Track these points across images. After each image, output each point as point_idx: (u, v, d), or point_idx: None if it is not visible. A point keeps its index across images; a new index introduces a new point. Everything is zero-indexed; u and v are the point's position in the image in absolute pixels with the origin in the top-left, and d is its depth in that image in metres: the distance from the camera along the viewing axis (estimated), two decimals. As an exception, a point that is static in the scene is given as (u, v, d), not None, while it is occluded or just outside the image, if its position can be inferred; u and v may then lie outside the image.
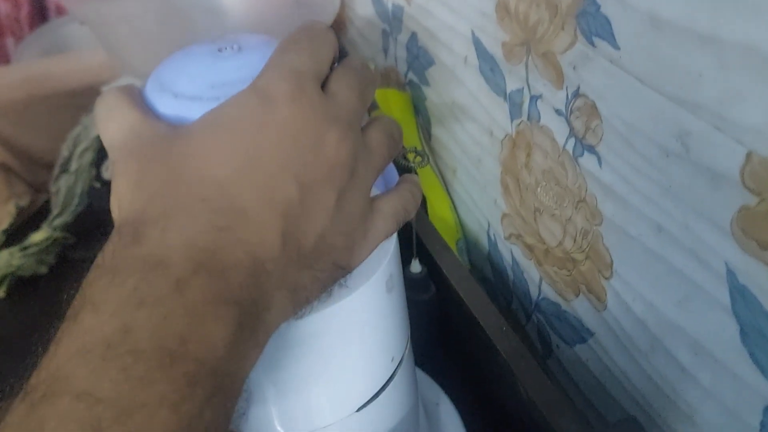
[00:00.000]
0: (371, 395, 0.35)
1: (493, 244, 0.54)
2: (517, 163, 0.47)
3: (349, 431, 0.35)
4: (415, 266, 0.50)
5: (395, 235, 0.34)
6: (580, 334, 0.45)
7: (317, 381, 0.32)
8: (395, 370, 0.36)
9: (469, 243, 0.59)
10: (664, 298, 0.36)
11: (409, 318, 0.38)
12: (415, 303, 0.40)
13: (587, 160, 0.39)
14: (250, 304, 0.22)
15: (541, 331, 0.50)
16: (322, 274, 0.25)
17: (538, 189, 0.45)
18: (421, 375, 0.49)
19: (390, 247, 0.33)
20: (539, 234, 0.47)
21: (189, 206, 0.22)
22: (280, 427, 0.33)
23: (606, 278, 0.40)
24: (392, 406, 0.37)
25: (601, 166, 0.38)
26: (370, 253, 0.29)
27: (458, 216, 0.59)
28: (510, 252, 0.52)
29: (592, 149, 0.38)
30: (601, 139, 0.37)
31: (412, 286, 0.50)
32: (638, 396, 0.41)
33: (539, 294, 0.49)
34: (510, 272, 0.53)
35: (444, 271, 0.50)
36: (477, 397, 0.50)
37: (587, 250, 0.42)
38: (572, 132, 0.40)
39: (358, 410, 0.34)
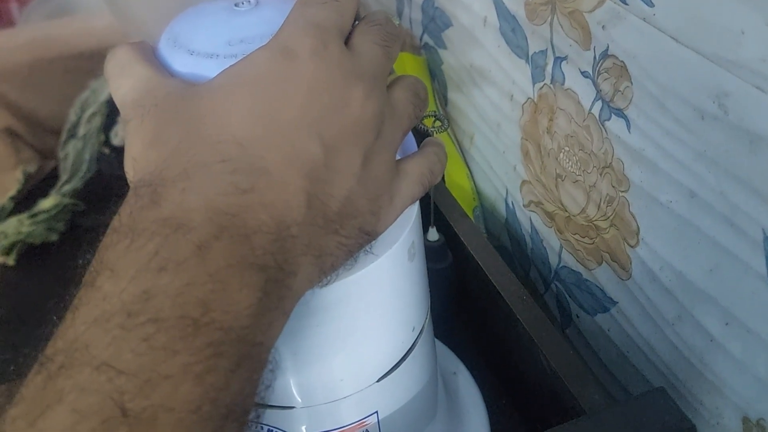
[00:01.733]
0: (392, 365, 0.34)
1: (511, 211, 0.53)
2: (539, 128, 0.46)
3: (368, 402, 0.34)
4: (433, 234, 0.48)
5: (417, 201, 0.33)
6: (602, 303, 0.44)
7: (338, 350, 0.32)
8: (416, 339, 0.35)
9: (486, 211, 0.57)
10: (695, 267, 0.35)
11: (428, 287, 0.37)
12: (432, 272, 0.39)
13: (615, 124, 0.38)
14: (276, 269, 0.21)
15: (561, 300, 0.49)
16: (347, 240, 0.24)
17: (561, 155, 0.44)
18: (438, 345, 0.48)
19: (412, 213, 0.32)
20: (561, 201, 0.45)
21: (209, 166, 0.21)
22: (299, 398, 0.32)
23: (632, 246, 0.39)
24: (412, 376, 0.36)
25: (629, 130, 0.37)
26: (396, 218, 0.28)
27: (475, 183, 0.57)
28: (529, 220, 0.51)
29: (620, 113, 0.37)
30: (630, 102, 0.36)
31: (429, 254, 0.48)
32: (663, 367, 0.40)
33: (559, 262, 0.48)
34: (528, 240, 0.52)
35: (462, 239, 0.49)
36: (495, 367, 0.49)
37: (612, 217, 0.40)
38: (599, 95, 0.39)
39: (378, 380, 0.33)
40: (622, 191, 0.39)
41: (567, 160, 0.43)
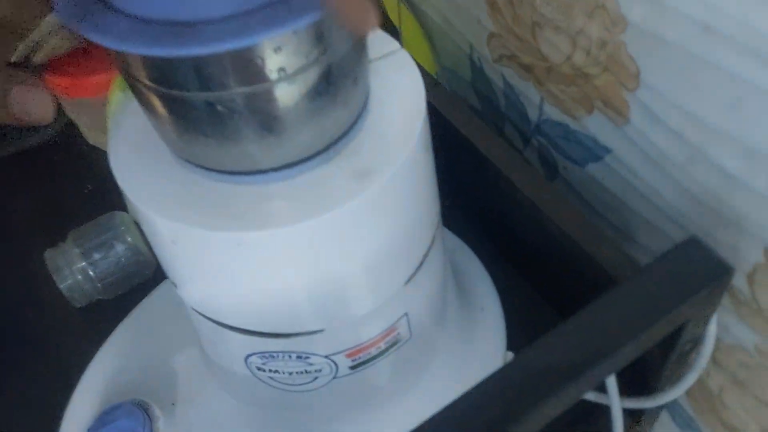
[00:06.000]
0: (419, 264, 0.31)
1: (478, 69, 0.49)
2: (508, -27, 0.41)
3: (398, 306, 0.32)
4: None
5: (421, 86, 0.29)
6: (594, 152, 0.42)
7: (371, 262, 0.29)
8: (435, 231, 0.33)
9: (447, 72, 0.53)
10: (709, 105, 0.33)
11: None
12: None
13: (607, -42, 0.34)
14: None
15: (543, 153, 0.48)
16: None
17: (537, 0, 0.40)
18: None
19: (420, 104, 0.29)
20: (540, 51, 0.42)
21: None
22: (329, 319, 0.30)
23: (630, 90, 0.37)
24: (434, 267, 0.34)
25: (626, -37, 0.33)
26: None
27: (432, 44, 0.53)
28: (501, 75, 0.47)
29: (614, -56, 0.33)
30: (627, -69, 0.32)
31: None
32: (668, 208, 0.39)
33: (540, 115, 0.46)
34: (501, 97, 0.49)
35: (434, 104, 0.45)
36: (490, 234, 0.48)
37: (605, 61, 0.38)
38: (584, -74, 0.34)
39: (406, 283, 0.31)
40: (618, 33, 0.36)
41: (545, 6, 0.39)
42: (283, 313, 0.28)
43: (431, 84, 0.45)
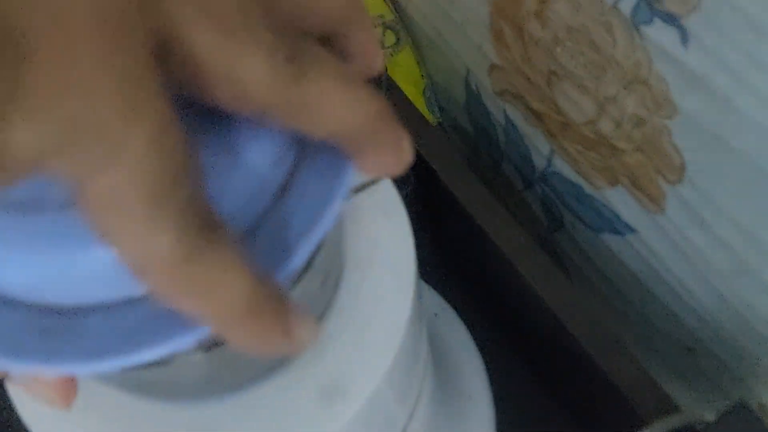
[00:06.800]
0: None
1: (474, 95, 0.41)
2: (522, 7, 0.33)
3: None
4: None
5: (410, 242, 0.22)
6: (613, 224, 0.36)
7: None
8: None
9: (438, 88, 0.45)
10: (773, 229, 0.27)
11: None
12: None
13: (659, 32, 0.26)
14: None
15: (548, 203, 0.41)
16: None
17: (558, 49, 0.32)
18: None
19: (409, 273, 0.21)
20: (555, 102, 0.34)
21: None
22: None
23: (669, 182, 0.30)
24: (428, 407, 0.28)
25: (686, 46, 0.25)
26: None
27: (421, 54, 0.44)
28: (502, 110, 0.39)
29: (672, 19, 0.25)
30: (694, 9, 0.24)
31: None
32: (698, 306, 0.33)
33: (548, 166, 0.38)
34: (500, 132, 0.41)
35: (421, 151, 0.37)
36: (481, 304, 0.41)
37: (639, 141, 0.30)
38: (632, -18, 0.26)
39: None
40: (662, 117, 0.28)
41: (568, 57, 0.32)
42: None
43: (425, 130, 0.38)
